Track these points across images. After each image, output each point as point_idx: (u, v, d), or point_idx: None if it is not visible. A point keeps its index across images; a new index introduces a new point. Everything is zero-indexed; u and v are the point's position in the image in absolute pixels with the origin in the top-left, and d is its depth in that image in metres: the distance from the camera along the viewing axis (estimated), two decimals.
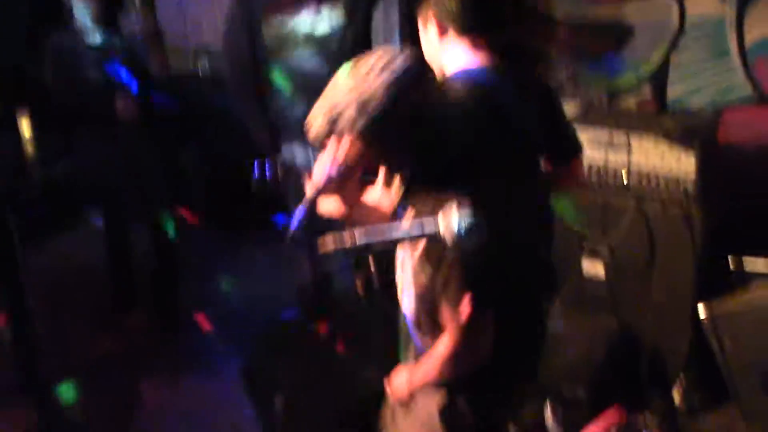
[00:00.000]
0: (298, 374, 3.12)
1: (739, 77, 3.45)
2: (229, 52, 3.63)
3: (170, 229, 4.04)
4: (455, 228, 1.24)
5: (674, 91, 3.60)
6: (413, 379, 1.85)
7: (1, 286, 3.43)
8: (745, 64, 3.43)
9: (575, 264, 3.31)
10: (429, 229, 1.27)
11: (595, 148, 3.24)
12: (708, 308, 2.92)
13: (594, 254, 3.28)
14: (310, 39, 3.37)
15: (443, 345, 1.71)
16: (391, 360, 2.81)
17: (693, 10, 3.48)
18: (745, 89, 3.45)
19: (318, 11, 3.37)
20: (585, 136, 3.20)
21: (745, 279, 3.15)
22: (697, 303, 3.04)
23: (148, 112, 3.75)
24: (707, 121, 3.27)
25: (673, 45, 3.55)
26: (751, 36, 3.39)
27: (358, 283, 1.32)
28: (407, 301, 1.78)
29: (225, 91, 3.86)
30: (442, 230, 1.27)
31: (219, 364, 3.67)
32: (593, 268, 3.30)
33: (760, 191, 3.28)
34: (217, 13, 5.29)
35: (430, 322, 1.73)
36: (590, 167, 3.25)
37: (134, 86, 3.64)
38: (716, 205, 3.17)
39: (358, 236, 1.33)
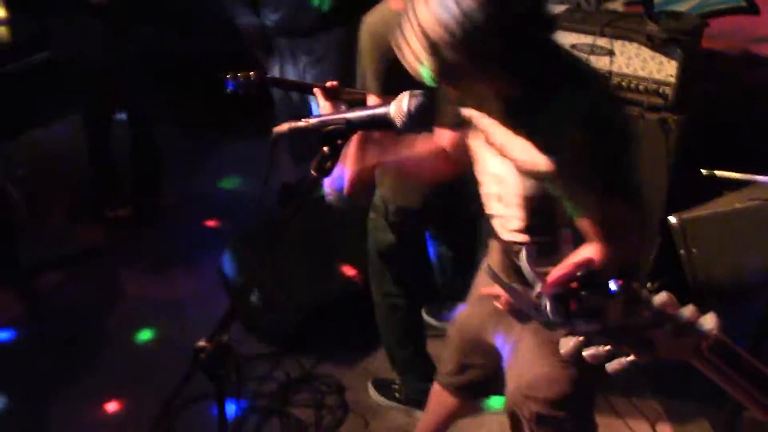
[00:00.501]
0: (275, 268, 3.17)
1: None
2: None
3: (150, 122, 4.03)
4: (404, 108, 1.26)
5: None
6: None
7: None
8: None
9: None
10: (380, 110, 1.29)
11: (579, 51, 3.20)
12: (677, 216, 2.95)
13: None
14: None
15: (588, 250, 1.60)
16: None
17: None
18: None
19: None
20: (568, 39, 3.20)
21: (716, 190, 3.18)
22: (667, 211, 3.08)
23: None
24: (693, 27, 3.20)
25: None
26: None
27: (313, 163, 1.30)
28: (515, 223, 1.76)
29: None
30: (392, 112, 1.28)
31: (199, 257, 3.73)
32: None
33: (738, 100, 3.27)
34: None
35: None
36: None
37: None
38: (693, 114, 3.16)
39: (312, 119, 1.35)
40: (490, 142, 1.73)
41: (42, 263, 3.67)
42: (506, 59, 1.46)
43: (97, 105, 3.90)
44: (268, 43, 3.78)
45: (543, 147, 1.57)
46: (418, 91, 1.24)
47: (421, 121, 1.24)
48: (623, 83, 3.14)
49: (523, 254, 1.04)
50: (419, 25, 1.40)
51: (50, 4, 3.63)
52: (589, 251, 1.60)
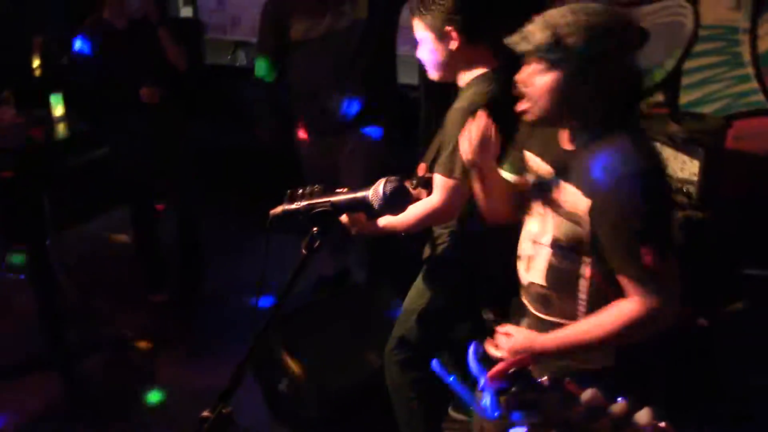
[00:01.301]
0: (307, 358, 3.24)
1: (752, 85, 3.47)
2: (259, 49, 3.87)
3: (196, 213, 4.24)
4: (380, 191, 1.36)
5: (687, 96, 3.64)
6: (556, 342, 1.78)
7: (33, 265, 3.65)
8: (758, 72, 3.44)
9: None
10: (360, 194, 1.40)
11: None
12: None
13: None
14: (330, 37, 3.53)
15: (626, 305, 1.68)
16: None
17: (707, 16, 3.51)
18: (758, 97, 3.47)
19: (340, 12, 3.52)
20: None
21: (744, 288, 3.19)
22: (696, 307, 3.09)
23: (174, 98, 3.94)
24: (716, 127, 3.28)
25: (687, 51, 3.59)
26: (765, 44, 3.41)
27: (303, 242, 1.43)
28: (536, 274, 1.88)
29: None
30: (370, 195, 1.39)
31: (237, 345, 3.81)
32: None
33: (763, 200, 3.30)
34: (255, 9, 5.49)
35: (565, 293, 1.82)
36: None
37: (158, 75, 3.84)
38: (719, 212, 3.20)
39: (301, 202, 1.48)
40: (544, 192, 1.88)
41: (86, 347, 3.81)
42: (606, 79, 1.68)
43: (145, 197, 4.13)
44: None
45: (590, 184, 1.71)
46: (393, 177, 1.35)
47: (395, 203, 1.35)
48: None
49: (471, 350, 1.12)
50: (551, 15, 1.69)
51: (104, 102, 3.91)
52: (627, 307, 1.68)
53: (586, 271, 1.80)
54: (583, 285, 1.81)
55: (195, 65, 4.65)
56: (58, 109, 3.81)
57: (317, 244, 1.42)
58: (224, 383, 1.53)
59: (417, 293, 2.71)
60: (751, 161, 3.45)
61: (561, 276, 1.84)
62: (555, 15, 1.70)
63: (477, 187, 2.00)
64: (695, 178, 3.11)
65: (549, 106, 1.74)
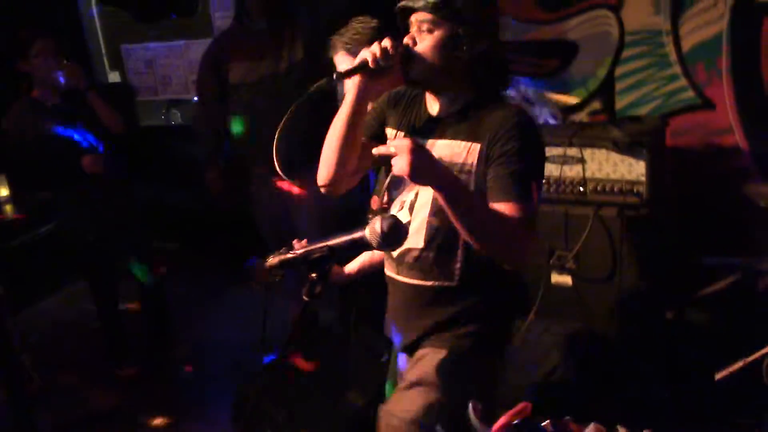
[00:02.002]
0: (285, 411, 3.21)
1: (682, 83, 3.63)
2: (200, 94, 3.88)
3: (150, 278, 4.16)
4: (377, 229, 1.39)
5: (622, 101, 3.78)
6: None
7: None
8: (685, 69, 3.60)
9: (544, 274, 3.44)
10: (357, 235, 1.43)
11: (552, 163, 3.39)
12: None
13: (560, 263, 3.40)
14: (268, 80, 3.56)
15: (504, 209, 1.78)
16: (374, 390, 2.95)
17: (631, 23, 3.67)
18: (689, 94, 3.62)
19: (279, 56, 3.56)
20: None
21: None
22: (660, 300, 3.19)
23: (116, 166, 3.89)
24: (654, 127, 3.41)
25: (617, 57, 3.74)
26: (688, 43, 3.57)
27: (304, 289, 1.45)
28: (413, 239, 1.93)
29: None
30: (368, 234, 1.41)
31: (212, 409, 3.75)
32: (560, 276, 3.43)
33: (706, 191, 3.43)
34: (184, 68, 5.50)
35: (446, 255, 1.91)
36: (548, 181, 3.40)
37: (99, 143, 3.80)
38: (668, 208, 3.32)
39: (297, 249, 1.50)
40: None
41: (59, 429, 3.70)
42: (490, 50, 1.84)
43: (102, 267, 4.05)
44: None
45: (480, 132, 1.86)
46: (388, 214, 1.38)
47: (393, 239, 1.38)
48: (599, 188, 3.31)
49: (469, 409, 1.15)
50: None
51: (49, 177, 3.83)
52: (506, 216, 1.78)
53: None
54: (461, 244, 1.92)
55: (131, 128, 4.61)
56: (2, 190, 3.72)
57: (318, 290, 1.43)
58: None
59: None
60: (692, 155, 3.60)
61: (439, 234, 1.93)
62: None
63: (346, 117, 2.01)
64: (643, 179, 3.22)
65: (427, 67, 1.85)
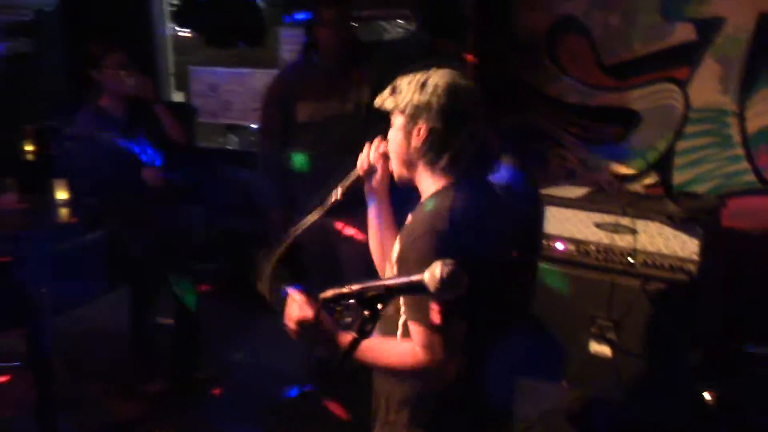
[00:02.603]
0: None
1: (743, 165, 3.58)
2: (265, 129, 3.91)
3: (192, 299, 4.19)
4: (437, 275, 1.37)
5: (680, 176, 3.74)
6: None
7: (29, 350, 3.57)
8: (748, 152, 3.55)
9: (582, 342, 3.38)
10: (416, 278, 1.42)
11: (602, 230, 3.35)
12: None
13: (601, 332, 3.34)
14: (334, 120, 3.59)
15: (408, 347, 1.74)
16: None
17: (697, 99, 3.64)
18: (749, 177, 3.57)
19: (346, 98, 3.59)
20: (592, 219, 3.37)
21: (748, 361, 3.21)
22: (699, 383, 3.10)
23: (173, 182, 3.96)
24: (711, 206, 3.36)
25: (679, 132, 3.71)
26: (753, 125, 3.53)
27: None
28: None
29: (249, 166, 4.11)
30: (426, 278, 1.40)
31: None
32: (599, 346, 3.36)
33: (758, 278, 3.35)
34: (247, 94, 5.61)
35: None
36: (597, 248, 3.36)
37: (158, 157, 3.87)
38: (718, 289, 3.25)
39: (354, 285, 1.50)
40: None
41: None
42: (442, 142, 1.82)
43: (144, 279, 4.09)
44: None
45: (401, 234, 1.85)
46: (449, 261, 1.37)
47: (451, 287, 1.36)
48: (648, 261, 3.26)
49: None
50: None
51: (106, 185, 3.92)
52: (408, 350, 1.74)
53: (402, 317, 1.86)
54: (400, 330, 1.87)
55: (188, 146, 4.69)
56: (60, 194, 3.80)
57: (369, 327, 1.43)
58: None
59: None
60: (747, 239, 3.53)
61: (384, 319, 1.86)
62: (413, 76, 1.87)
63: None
64: (695, 257, 3.16)
65: (404, 164, 1.91)
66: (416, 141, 1.83)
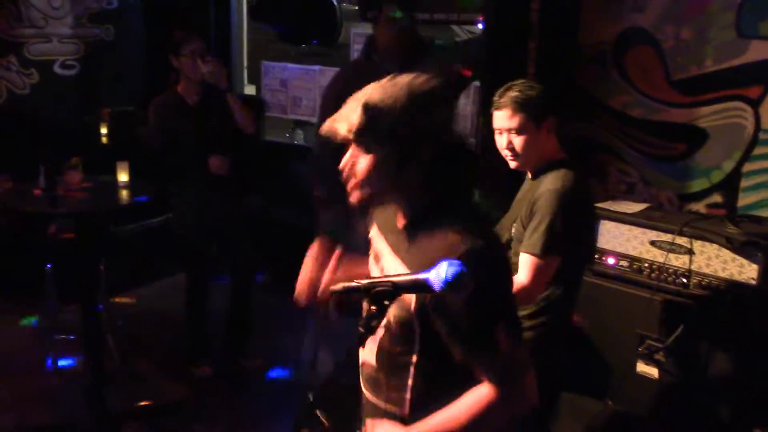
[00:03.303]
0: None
1: None
2: (320, 124, 3.97)
3: (250, 286, 4.28)
4: (442, 275, 1.37)
5: (745, 199, 3.61)
6: None
7: (84, 326, 3.70)
8: None
9: (630, 361, 3.31)
10: (422, 276, 1.40)
11: (658, 249, 3.27)
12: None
13: (649, 352, 3.26)
14: None
15: (482, 391, 1.57)
16: None
17: None
18: None
19: None
20: (648, 236, 3.29)
21: None
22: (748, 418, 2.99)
23: (239, 171, 4.06)
24: None
25: (747, 154, 3.58)
26: None
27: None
28: (369, 354, 1.78)
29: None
30: (432, 278, 1.39)
31: (278, 422, 3.79)
32: (647, 367, 3.28)
33: None
34: (315, 91, 5.68)
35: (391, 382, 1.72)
36: (651, 267, 3.28)
37: (224, 144, 3.97)
38: None
39: (363, 280, 1.49)
40: (378, 264, 1.81)
41: (126, 412, 3.82)
42: (422, 158, 1.60)
43: (202, 266, 4.20)
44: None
45: (421, 261, 1.56)
46: (456, 261, 1.36)
47: (455, 288, 1.35)
48: (703, 283, 3.16)
49: None
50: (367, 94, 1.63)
51: (171, 171, 4.04)
52: (482, 394, 1.57)
53: (414, 358, 1.68)
54: (412, 373, 1.70)
55: (256, 138, 4.79)
56: (122, 176, 3.93)
57: (375, 322, 1.43)
58: None
59: None
60: None
61: (390, 359, 1.72)
62: (370, 93, 1.64)
63: None
64: (754, 282, 3.05)
65: (372, 188, 1.65)
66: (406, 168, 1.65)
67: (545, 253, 2.41)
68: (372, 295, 1.44)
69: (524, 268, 2.45)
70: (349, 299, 1.57)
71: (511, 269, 1.74)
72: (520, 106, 2.50)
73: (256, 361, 4.35)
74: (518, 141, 2.54)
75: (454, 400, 1.62)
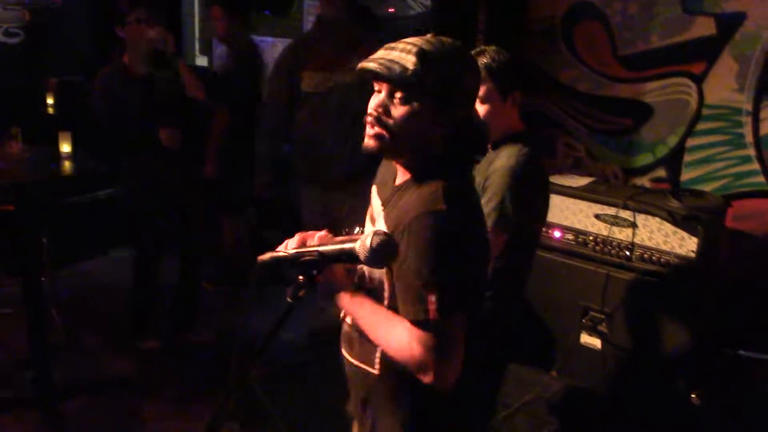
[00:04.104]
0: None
1: (753, 166, 3.50)
2: (270, 97, 3.95)
3: (199, 260, 4.24)
4: (368, 244, 1.36)
5: (688, 173, 3.67)
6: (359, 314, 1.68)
7: (26, 299, 3.63)
8: (759, 154, 3.47)
9: (573, 333, 3.36)
10: (348, 245, 1.40)
11: (603, 222, 3.31)
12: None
13: (592, 324, 3.31)
14: (336, 90, 3.60)
15: (406, 341, 1.57)
16: None
17: (711, 96, 3.56)
18: (758, 179, 3.49)
19: (350, 69, 3.60)
20: (592, 210, 3.33)
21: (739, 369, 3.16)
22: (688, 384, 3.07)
23: (190, 142, 4.00)
24: (715, 206, 3.29)
25: (690, 129, 3.63)
26: (766, 127, 3.44)
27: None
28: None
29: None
30: (357, 247, 1.38)
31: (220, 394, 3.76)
32: (590, 338, 3.34)
33: (758, 281, 3.29)
34: (268, 62, 5.61)
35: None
36: (595, 240, 3.32)
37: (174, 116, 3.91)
38: (714, 290, 3.19)
39: (290, 248, 1.47)
40: (375, 224, 1.80)
41: (72, 387, 3.77)
42: (452, 118, 1.65)
43: (152, 239, 4.14)
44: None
45: (395, 224, 1.61)
46: (382, 231, 1.36)
47: (381, 257, 1.35)
48: (645, 256, 3.21)
49: None
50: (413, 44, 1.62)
51: (120, 142, 3.96)
52: (405, 343, 1.56)
53: (386, 290, 1.69)
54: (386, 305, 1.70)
55: (209, 110, 4.73)
56: (64, 147, 3.84)
57: (302, 293, 1.42)
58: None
59: None
60: (751, 242, 3.46)
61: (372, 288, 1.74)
62: (419, 44, 1.62)
63: None
64: (693, 255, 3.11)
65: (399, 137, 1.65)
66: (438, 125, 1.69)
67: (492, 229, 2.41)
68: (299, 264, 1.42)
69: None
70: (276, 269, 1.55)
71: (476, 244, 1.70)
72: (489, 74, 2.43)
73: (203, 334, 4.32)
74: (481, 109, 2.48)
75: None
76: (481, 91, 2.44)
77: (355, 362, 1.81)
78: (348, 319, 1.82)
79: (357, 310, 1.67)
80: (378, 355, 1.74)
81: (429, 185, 1.62)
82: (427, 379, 1.55)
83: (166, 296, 4.25)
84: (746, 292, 3.42)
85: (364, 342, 1.74)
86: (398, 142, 1.65)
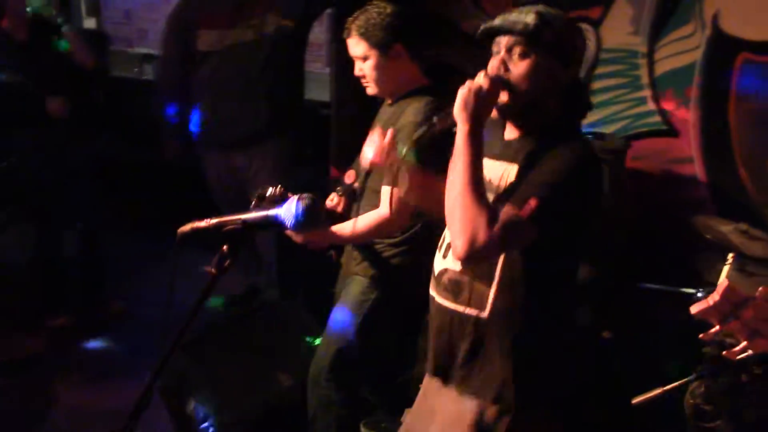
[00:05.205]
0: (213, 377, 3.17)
1: (650, 107, 3.62)
2: (163, 56, 3.83)
3: (98, 230, 4.11)
4: (292, 210, 1.35)
5: (590, 117, 3.74)
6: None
7: None
8: (655, 94, 3.60)
9: None
10: (272, 212, 1.39)
11: None
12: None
13: None
14: (235, 49, 3.51)
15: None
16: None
17: (608, 39, 3.65)
18: (655, 119, 3.62)
19: (248, 26, 3.52)
20: None
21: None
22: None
23: (81, 112, 3.84)
24: (617, 147, 3.40)
25: (590, 73, 3.72)
26: (661, 67, 3.56)
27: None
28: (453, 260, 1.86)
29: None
30: (283, 213, 1.38)
31: (144, 366, 3.70)
32: None
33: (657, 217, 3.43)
34: (162, 21, 5.41)
35: None
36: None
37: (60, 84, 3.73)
38: (618, 228, 3.31)
39: (212, 219, 1.45)
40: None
41: None
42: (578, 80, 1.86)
43: (50, 213, 3.98)
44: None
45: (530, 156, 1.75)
46: (306, 195, 1.35)
47: (307, 222, 1.34)
48: None
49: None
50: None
51: (8, 115, 3.76)
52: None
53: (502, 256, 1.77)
54: (500, 264, 1.77)
55: (100, 76, 4.54)
56: None
57: (227, 263, 1.39)
58: (131, 405, 1.48)
59: (354, 305, 2.68)
60: (649, 180, 3.60)
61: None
62: (536, 7, 1.77)
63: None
64: None
65: (520, 92, 1.76)
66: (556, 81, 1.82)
67: None
68: (222, 234, 1.40)
69: (386, 200, 2.43)
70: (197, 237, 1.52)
71: (594, 200, 1.84)
72: (361, 34, 2.48)
73: (115, 306, 4.22)
74: (367, 67, 2.52)
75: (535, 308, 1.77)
76: (360, 51, 2.51)
77: (461, 308, 1.84)
78: (456, 266, 1.84)
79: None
80: (492, 294, 1.78)
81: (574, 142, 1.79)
82: (470, 246, 1.63)
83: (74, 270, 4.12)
84: (645, 227, 3.57)
85: (478, 284, 1.79)
86: (517, 96, 1.76)
